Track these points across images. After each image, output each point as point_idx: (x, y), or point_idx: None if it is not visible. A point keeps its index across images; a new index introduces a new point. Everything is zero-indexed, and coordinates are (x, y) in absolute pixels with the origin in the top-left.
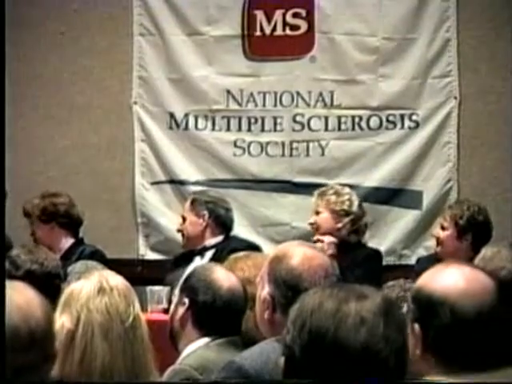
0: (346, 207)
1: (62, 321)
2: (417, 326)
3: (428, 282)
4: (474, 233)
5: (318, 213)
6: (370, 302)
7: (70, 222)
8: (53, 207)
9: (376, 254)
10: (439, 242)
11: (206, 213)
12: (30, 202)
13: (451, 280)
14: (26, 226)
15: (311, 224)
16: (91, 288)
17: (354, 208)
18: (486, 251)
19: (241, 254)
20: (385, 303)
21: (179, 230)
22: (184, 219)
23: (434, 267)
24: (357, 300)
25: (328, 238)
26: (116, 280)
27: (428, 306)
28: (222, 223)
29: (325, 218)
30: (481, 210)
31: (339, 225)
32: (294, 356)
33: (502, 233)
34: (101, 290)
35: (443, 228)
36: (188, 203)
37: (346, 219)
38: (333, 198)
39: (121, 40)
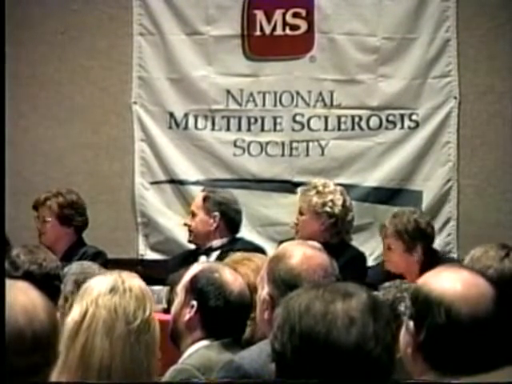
0: (328, 209)
1: (73, 312)
2: (411, 324)
3: (428, 282)
4: (409, 236)
5: (301, 213)
6: (355, 300)
7: (82, 226)
8: (74, 212)
9: (359, 256)
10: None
11: (217, 214)
12: (50, 198)
13: (451, 282)
14: (26, 226)
15: (295, 224)
16: (105, 285)
17: (337, 209)
18: (474, 251)
19: (238, 255)
20: (370, 300)
21: (186, 225)
22: (193, 214)
23: (437, 268)
24: (343, 300)
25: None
26: (132, 282)
27: (424, 305)
28: (232, 225)
29: (307, 221)
30: (412, 218)
31: (322, 227)
32: (285, 361)
33: (502, 233)
34: (113, 289)
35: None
36: (200, 199)
37: (328, 222)
38: (314, 199)
39: (121, 40)
